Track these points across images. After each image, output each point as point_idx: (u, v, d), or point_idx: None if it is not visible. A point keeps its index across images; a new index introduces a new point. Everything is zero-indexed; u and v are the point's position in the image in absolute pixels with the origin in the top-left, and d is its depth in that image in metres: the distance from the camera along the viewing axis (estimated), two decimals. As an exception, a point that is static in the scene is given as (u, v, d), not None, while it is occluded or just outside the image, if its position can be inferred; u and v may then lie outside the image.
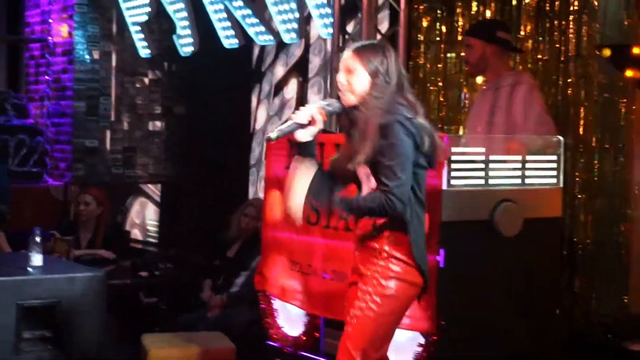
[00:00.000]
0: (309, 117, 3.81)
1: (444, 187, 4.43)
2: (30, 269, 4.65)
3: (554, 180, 4.83)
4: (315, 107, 3.85)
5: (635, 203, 5.90)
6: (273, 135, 3.78)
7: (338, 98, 3.97)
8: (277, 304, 5.53)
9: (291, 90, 8.61)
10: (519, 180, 4.71)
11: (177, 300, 7.51)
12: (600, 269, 5.97)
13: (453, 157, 4.46)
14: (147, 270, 7.38)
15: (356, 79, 3.85)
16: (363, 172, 3.86)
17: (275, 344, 5.49)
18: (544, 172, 4.81)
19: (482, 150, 4.61)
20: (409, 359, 4.41)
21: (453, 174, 4.46)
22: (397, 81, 3.85)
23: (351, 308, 3.85)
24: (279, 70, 8.76)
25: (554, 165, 4.83)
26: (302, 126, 3.82)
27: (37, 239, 4.71)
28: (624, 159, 5.87)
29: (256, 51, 8.92)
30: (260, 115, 9.02)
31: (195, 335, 6.46)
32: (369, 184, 3.84)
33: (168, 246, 8.74)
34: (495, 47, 5.51)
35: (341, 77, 3.89)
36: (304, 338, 5.16)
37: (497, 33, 5.56)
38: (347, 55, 3.91)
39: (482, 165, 4.58)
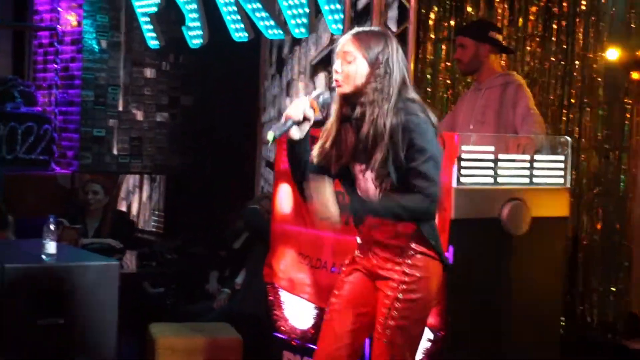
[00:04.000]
0: (303, 112, 3.68)
1: (454, 184, 4.48)
2: (44, 257, 4.70)
3: (562, 180, 4.89)
4: (308, 100, 3.69)
5: (639, 203, 5.97)
6: (270, 136, 3.62)
7: (331, 88, 3.84)
8: (285, 296, 5.59)
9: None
10: (527, 180, 4.77)
11: (183, 291, 7.57)
12: (602, 268, 6.05)
13: (463, 155, 4.52)
14: (154, 260, 7.45)
15: (354, 68, 3.65)
16: (358, 168, 3.79)
17: (283, 336, 5.54)
18: (551, 171, 4.87)
19: (492, 149, 4.67)
20: (419, 354, 4.46)
21: (463, 172, 4.52)
22: (400, 73, 3.68)
23: (382, 316, 3.77)
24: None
25: (562, 165, 4.89)
26: (298, 122, 3.70)
27: (52, 227, 4.74)
28: (628, 159, 5.94)
29: (269, 44, 8.93)
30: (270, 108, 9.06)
31: (202, 326, 6.52)
32: (364, 181, 3.77)
33: (173, 237, 8.79)
34: (487, 46, 5.60)
35: (337, 65, 3.69)
36: (313, 331, 5.21)
37: (489, 33, 5.65)
38: (345, 41, 3.69)
39: (492, 164, 4.64)
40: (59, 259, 4.74)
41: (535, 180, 4.80)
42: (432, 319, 4.41)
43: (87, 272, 4.69)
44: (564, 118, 6.20)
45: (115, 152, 9.39)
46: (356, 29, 3.77)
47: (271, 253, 5.72)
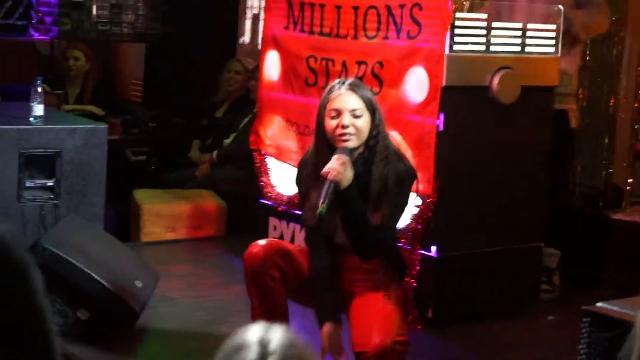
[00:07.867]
0: (341, 172, 3.55)
1: (447, 51, 4.46)
2: (31, 119, 4.65)
3: (553, 49, 4.88)
4: (342, 160, 3.55)
5: (627, 76, 5.98)
6: (323, 210, 3.48)
7: None
8: (272, 163, 5.60)
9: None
10: (518, 48, 4.75)
11: (165, 158, 7.55)
12: (587, 140, 6.08)
13: (457, 22, 4.48)
14: (136, 128, 7.41)
15: (362, 123, 3.58)
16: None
17: (269, 203, 5.57)
18: (543, 40, 4.85)
19: (485, 16, 4.64)
20: (407, 219, 4.51)
21: (456, 39, 4.50)
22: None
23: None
24: None
25: (553, 34, 4.86)
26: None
27: (39, 89, 4.67)
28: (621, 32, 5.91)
29: None
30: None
31: (186, 192, 6.54)
32: None
33: (153, 106, 8.70)
34: None
35: (346, 120, 3.56)
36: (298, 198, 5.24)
37: None
38: (347, 96, 3.58)
39: (484, 32, 4.61)
40: (47, 122, 4.69)
41: (527, 49, 4.78)
42: (421, 186, 4.43)
43: (75, 134, 4.65)
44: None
45: (94, 18, 9.21)
46: (350, 79, 3.68)
47: (258, 120, 5.71)
